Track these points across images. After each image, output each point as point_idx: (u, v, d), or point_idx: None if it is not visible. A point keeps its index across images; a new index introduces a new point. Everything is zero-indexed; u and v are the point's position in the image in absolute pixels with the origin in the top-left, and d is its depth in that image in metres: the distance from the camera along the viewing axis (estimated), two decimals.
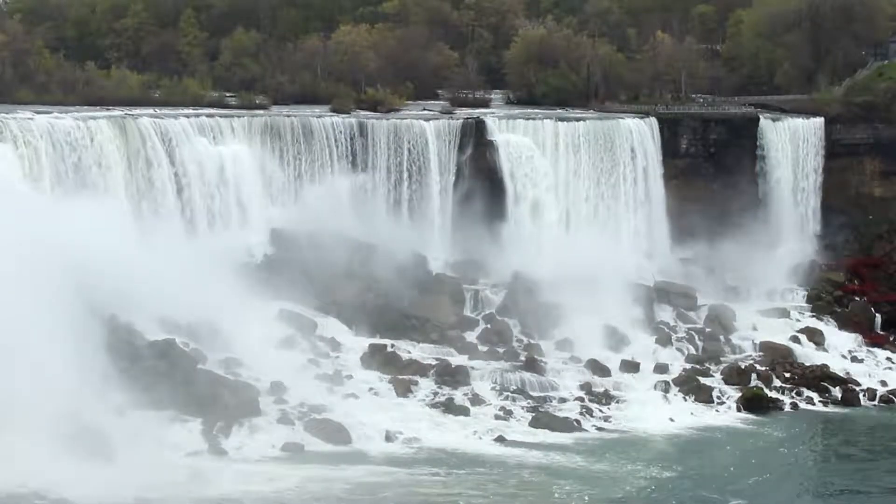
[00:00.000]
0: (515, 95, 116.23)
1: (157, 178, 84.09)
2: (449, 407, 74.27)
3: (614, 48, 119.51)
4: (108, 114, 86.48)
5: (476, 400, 75.73)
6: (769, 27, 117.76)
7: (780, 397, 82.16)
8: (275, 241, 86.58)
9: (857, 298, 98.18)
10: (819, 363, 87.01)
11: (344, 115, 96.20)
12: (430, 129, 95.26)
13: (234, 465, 63.07)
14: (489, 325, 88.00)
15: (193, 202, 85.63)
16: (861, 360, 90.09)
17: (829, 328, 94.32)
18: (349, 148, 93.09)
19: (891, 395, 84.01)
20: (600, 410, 76.64)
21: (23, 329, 61.35)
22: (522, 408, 75.70)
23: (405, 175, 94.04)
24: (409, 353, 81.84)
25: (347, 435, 68.42)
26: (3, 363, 59.89)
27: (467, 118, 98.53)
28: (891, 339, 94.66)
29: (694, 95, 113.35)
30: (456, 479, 62.59)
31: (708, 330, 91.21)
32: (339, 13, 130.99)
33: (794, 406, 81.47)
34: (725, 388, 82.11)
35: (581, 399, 77.81)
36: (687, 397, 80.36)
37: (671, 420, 75.97)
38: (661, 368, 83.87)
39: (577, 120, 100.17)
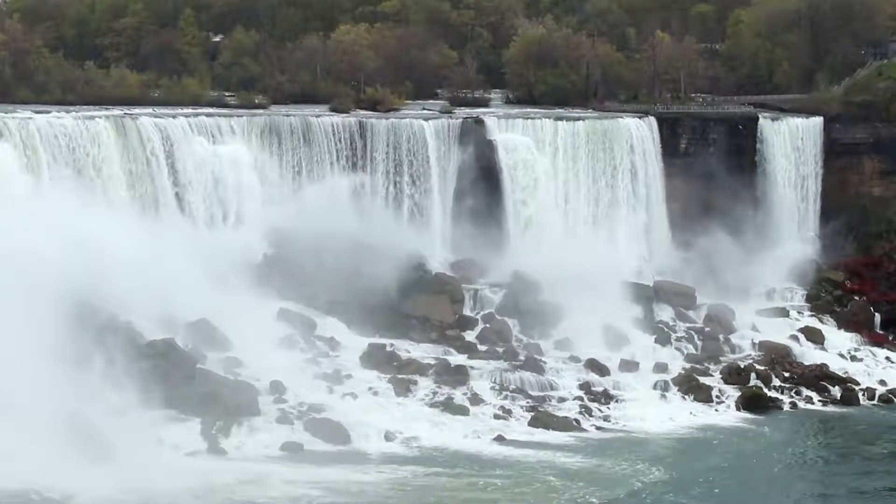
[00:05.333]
0: (515, 95, 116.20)
1: (157, 178, 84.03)
2: (448, 406, 74.30)
3: (613, 48, 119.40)
4: (107, 113, 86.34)
5: (475, 399, 75.74)
6: (768, 27, 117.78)
7: (780, 397, 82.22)
8: (274, 240, 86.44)
9: (856, 298, 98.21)
10: (818, 363, 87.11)
11: (343, 115, 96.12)
12: (429, 128, 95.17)
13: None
14: (488, 325, 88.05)
15: (193, 202, 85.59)
16: (860, 360, 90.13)
17: (828, 328, 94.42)
18: (349, 147, 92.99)
19: (890, 395, 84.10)
20: (599, 410, 76.68)
21: (22, 329, 61.32)
22: (522, 407, 75.72)
23: (405, 174, 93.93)
24: (409, 352, 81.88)
25: (347, 434, 68.47)
26: (2, 363, 59.80)
27: (466, 117, 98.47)
28: (890, 338, 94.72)
29: (693, 95, 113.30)
30: (455, 479, 62.57)
31: (707, 329, 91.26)
32: (339, 13, 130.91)
33: (794, 405, 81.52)
34: (725, 387, 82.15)
35: (580, 398, 77.85)
36: (686, 397, 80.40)
37: (670, 419, 76.05)
38: (660, 368, 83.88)
39: (577, 119, 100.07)
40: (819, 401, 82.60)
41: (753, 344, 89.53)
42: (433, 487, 61.06)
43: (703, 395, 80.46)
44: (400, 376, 77.41)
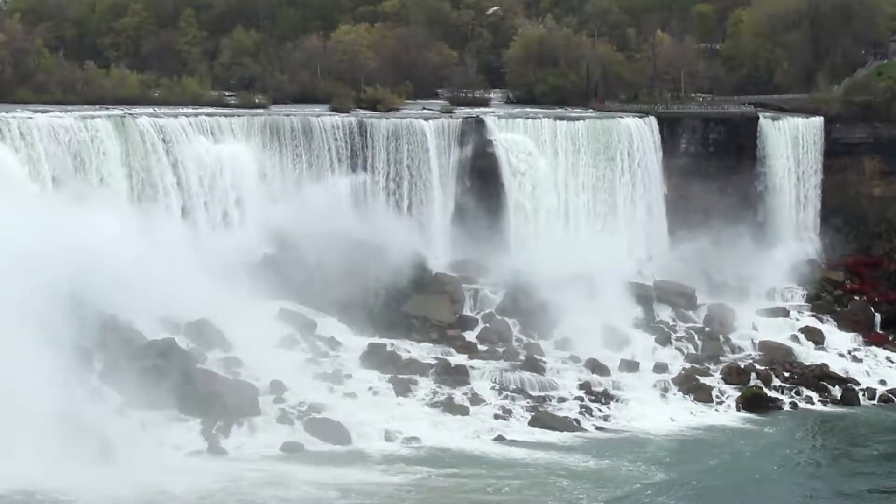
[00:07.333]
0: (515, 95, 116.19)
1: (157, 178, 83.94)
2: (448, 406, 74.26)
3: (614, 47, 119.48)
4: (107, 113, 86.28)
5: (475, 399, 75.71)
6: (769, 27, 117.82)
7: (780, 397, 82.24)
8: (274, 240, 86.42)
9: (856, 298, 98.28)
10: (818, 362, 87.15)
11: (343, 115, 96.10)
12: (429, 128, 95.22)
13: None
14: (489, 325, 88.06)
15: (193, 201, 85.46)
16: (860, 360, 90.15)
17: (828, 327, 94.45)
18: (349, 147, 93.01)
19: (890, 395, 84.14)
20: (600, 410, 76.68)
21: (22, 328, 61.28)
22: (522, 407, 75.71)
23: (405, 174, 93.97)
24: (409, 352, 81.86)
25: (347, 434, 68.40)
26: (2, 363, 59.77)
27: (467, 117, 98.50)
28: (890, 338, 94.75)
29: (693, 95, 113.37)
30: (455, 479, 62.51)
31: (707, 329, 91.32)
32: (339, 13, 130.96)
33: (794, 405, 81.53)
34: (725, 387, 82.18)
35: (580, 398, 77.85)
36: (686, 397, 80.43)
37: (671, 419, 76.06)
38: (660, 368, 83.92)
39: (577, 119, 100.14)
40: (819, 401, 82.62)
41: (754, 344, 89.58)
42: (448, 489, 60.81)
43: (703, 395, 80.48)
44: (400, 376, 77.34)
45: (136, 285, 72.17)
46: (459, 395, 75.96)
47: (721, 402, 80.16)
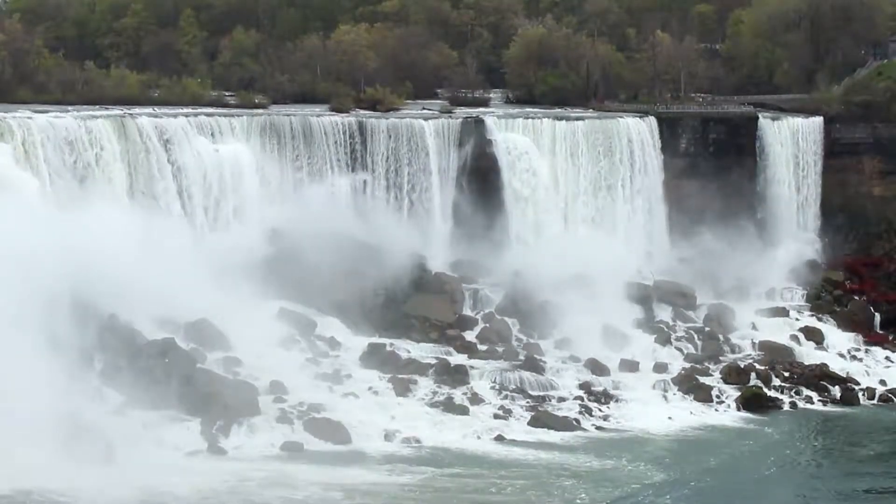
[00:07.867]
0: (515, 95, 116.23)
1: (157, 178, 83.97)
2: (448, 406, 74.22)
3: (613, 48, 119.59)
4: (107, 113, 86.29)
5: (475, 399, 75.69)
6: (769, 27, 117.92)
7: (780, 396, 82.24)
8: (274, 240, 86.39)
9: (856, 298, 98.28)
10: (818, 362, 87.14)
11: (343, 115, 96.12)
12: (429, 128, 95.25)
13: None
14: (488, 325, 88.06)
15: (193, 201, 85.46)
16: (860, 360, 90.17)
17: (828, 327, 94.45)
18: (348, 147, 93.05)
19: (890, 394, 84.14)
20: (599, 409, 76.66)
21: (22, 328, 61.30)
22: (522, 407, 75.69)
23: (405, 174, 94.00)
24: (409, 352, 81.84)
25: (347, 434, 68.40)
26: (3, 364, 59.78)
27: (466, 117, 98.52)
28: (890, 338, 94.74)
29: (693, 95, 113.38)
30: (458, 479, 62.50)
31: (707, 329, 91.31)
32: (339, 13, 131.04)
33: (794, 405, 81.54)
34: (725, 387, 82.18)
35: (580, 398, 77.84)
36: (686, 396, 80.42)
37: (670, 419, 76.00)
38: (660, 368, 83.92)
39: (577, 119, 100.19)
40: (819, 400, 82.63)
41: (753, 344, 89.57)
42: (452, 489, 60.69)
43: (703, 394, 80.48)
44: (400, 376, 77.31)
45: (136, 285, 72.20)
46: (459, 395, 75.93)
47: (721, 402, 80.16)
